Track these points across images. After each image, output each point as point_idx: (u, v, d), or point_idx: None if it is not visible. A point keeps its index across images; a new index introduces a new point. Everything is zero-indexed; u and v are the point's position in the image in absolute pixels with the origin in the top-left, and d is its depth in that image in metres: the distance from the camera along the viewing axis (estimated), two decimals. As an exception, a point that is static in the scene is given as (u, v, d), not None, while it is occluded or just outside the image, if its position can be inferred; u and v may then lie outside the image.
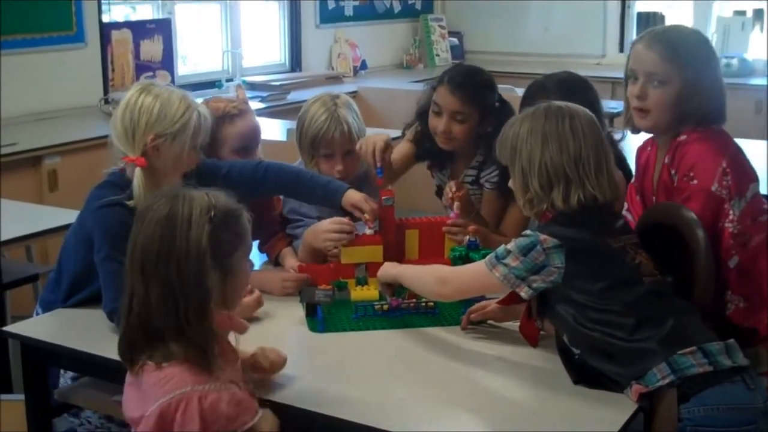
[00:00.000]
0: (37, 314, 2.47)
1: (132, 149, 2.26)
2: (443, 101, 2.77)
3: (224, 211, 1.73)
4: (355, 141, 2.75)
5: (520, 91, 2.89)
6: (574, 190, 1.96)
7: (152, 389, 1.68)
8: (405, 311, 2.34)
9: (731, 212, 2.11)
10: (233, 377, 1.74)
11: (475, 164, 2.88)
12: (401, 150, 2.98)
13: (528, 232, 1.98)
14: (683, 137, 2.21)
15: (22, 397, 2.46)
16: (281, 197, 2.83)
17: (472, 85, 2.79)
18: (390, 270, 2.30)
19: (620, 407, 1.85)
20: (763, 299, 2.12)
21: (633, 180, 2.44)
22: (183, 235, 1.69)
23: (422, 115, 2.91)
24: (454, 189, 2.61)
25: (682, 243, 2.05)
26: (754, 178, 2.20)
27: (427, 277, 2.17)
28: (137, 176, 2.24)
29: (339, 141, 2.74)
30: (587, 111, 2.06)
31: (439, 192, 2.99)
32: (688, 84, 2.21)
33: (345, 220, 2.50)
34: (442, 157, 2.94)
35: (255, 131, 2.79)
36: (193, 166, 2.36)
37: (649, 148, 2.37)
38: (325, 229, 2.50)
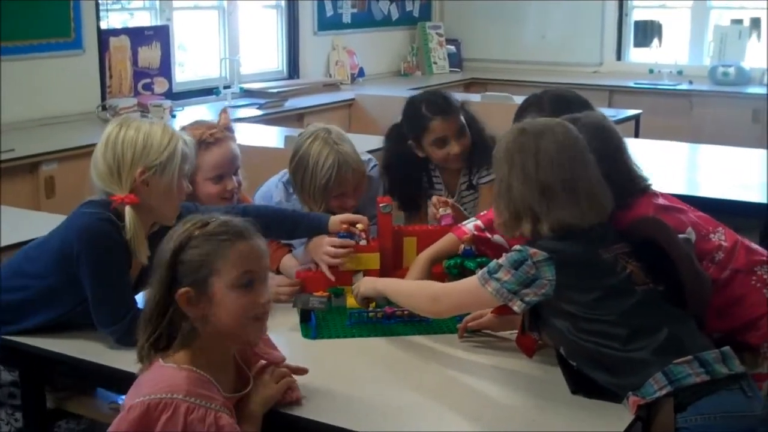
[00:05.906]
0: None
1: (120, 187, 2.13)
2: (445, 129, 2.89)
3: (209, 231, 1.72)
4: (363, 172, 2.79)
5: (517, 99, 2.91)
6: (543, 223, 1.95)
7: (147, 382, 1.69)
8: (399, 319, 2.34)
9: None
10: (227, 403, 1.73)
11: (465, 171, 3.00)
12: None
13: (518, 247, 1.97)
14: None
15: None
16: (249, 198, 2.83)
17: (450, 101, 2.95)
18: (374, 284, 2.29)
19: (618, 416, 1.85)
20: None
21: None
22: (164, 245, 1.74)
23: (390, 168, 2.99)
24: (439, 202, 2.69)
25: (666, 253, 2.02)
26: (684, 224, 2.18)
27: (419, 295, 2.17)
28: (129, 215, 2.11)
29: (352, 179, 2.74)
30: (566, 131, 2.01)
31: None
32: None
33: (346, 241, 2.49)
34: (423, 188, 3.03)
35: (230, 160, 2.68)
36: (183, 197, 2.24)
37: None
38: (325, 251, 2.49)
